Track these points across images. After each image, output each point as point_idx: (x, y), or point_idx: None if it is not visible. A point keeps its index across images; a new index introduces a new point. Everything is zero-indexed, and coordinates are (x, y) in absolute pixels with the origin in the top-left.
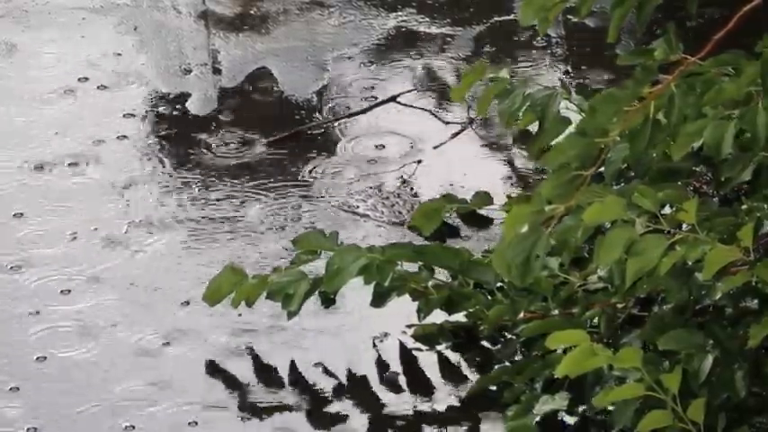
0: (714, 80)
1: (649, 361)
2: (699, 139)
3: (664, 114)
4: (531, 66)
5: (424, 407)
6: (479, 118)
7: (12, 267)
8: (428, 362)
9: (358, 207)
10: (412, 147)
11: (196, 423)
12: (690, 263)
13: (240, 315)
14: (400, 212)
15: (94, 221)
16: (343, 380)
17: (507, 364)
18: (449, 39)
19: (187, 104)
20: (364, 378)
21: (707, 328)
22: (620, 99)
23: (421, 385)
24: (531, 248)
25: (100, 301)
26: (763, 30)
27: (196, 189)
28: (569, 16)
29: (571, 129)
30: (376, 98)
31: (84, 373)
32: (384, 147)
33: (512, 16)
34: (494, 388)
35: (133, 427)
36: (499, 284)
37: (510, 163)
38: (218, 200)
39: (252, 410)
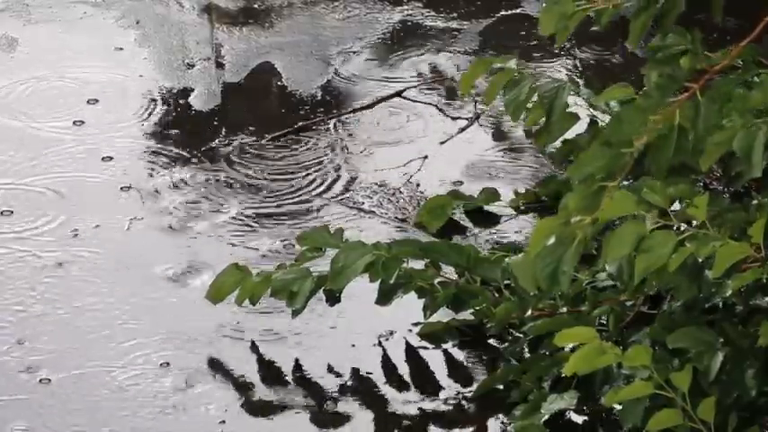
0: (737, 92)
1: (659, 359)
2: (728, 147)
3: (684, 122)
4: (538, 60)
5: (431, 405)
6: (486, 113)
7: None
8: (434, 360)
9: (363, 203)
10: (418, 142)
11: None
12: (700, 260)
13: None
14: (406, 209)
15: (96, 215)
16: (349, 378)
17: (515, 362)
18: (455, 33)
19: (190, 99)
20: (370, 377)
21: (717, 326)
22: (645, 109)
23: (427, 384)
24: (559, 261)
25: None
26: None
27: (198, 185)
28: None
29: (578, 125)
30: (381, 93)
31: None
32: (389, 142)
33: (519, 10)
34: (501, 386)
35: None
36: (506, 282)
37: (517, 158)
38: (219, 196)
39: (256, 409)
